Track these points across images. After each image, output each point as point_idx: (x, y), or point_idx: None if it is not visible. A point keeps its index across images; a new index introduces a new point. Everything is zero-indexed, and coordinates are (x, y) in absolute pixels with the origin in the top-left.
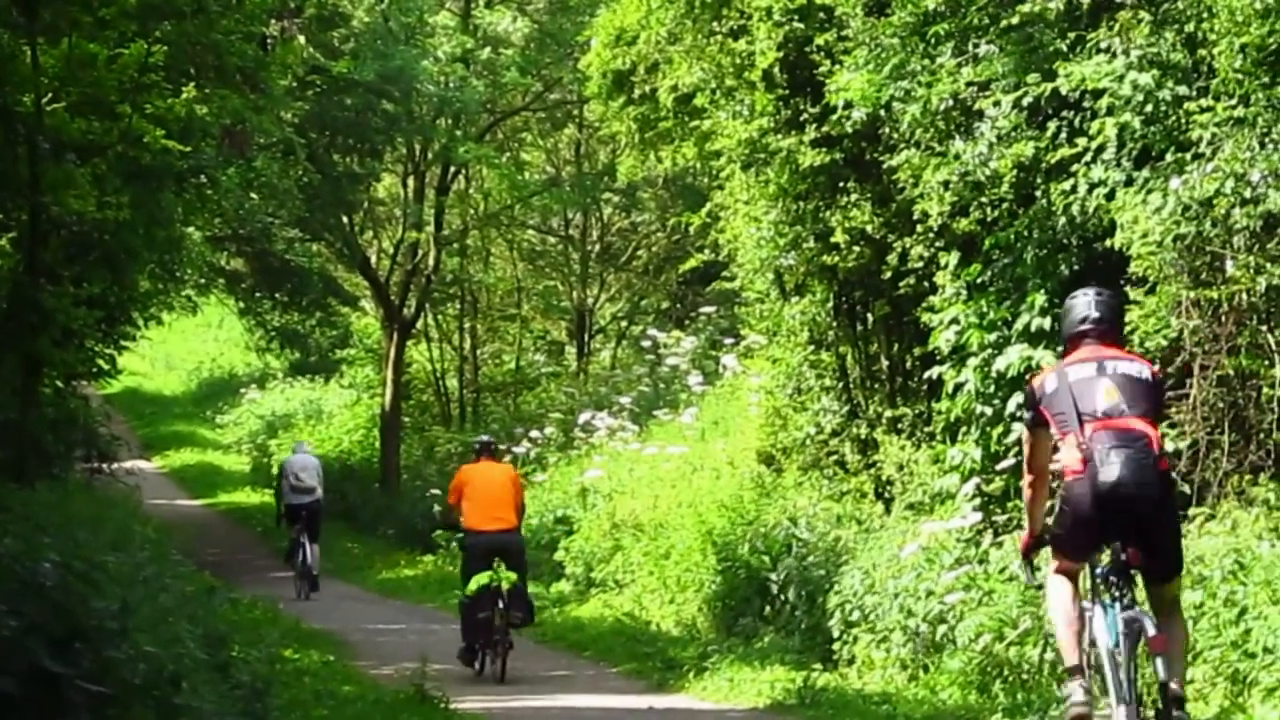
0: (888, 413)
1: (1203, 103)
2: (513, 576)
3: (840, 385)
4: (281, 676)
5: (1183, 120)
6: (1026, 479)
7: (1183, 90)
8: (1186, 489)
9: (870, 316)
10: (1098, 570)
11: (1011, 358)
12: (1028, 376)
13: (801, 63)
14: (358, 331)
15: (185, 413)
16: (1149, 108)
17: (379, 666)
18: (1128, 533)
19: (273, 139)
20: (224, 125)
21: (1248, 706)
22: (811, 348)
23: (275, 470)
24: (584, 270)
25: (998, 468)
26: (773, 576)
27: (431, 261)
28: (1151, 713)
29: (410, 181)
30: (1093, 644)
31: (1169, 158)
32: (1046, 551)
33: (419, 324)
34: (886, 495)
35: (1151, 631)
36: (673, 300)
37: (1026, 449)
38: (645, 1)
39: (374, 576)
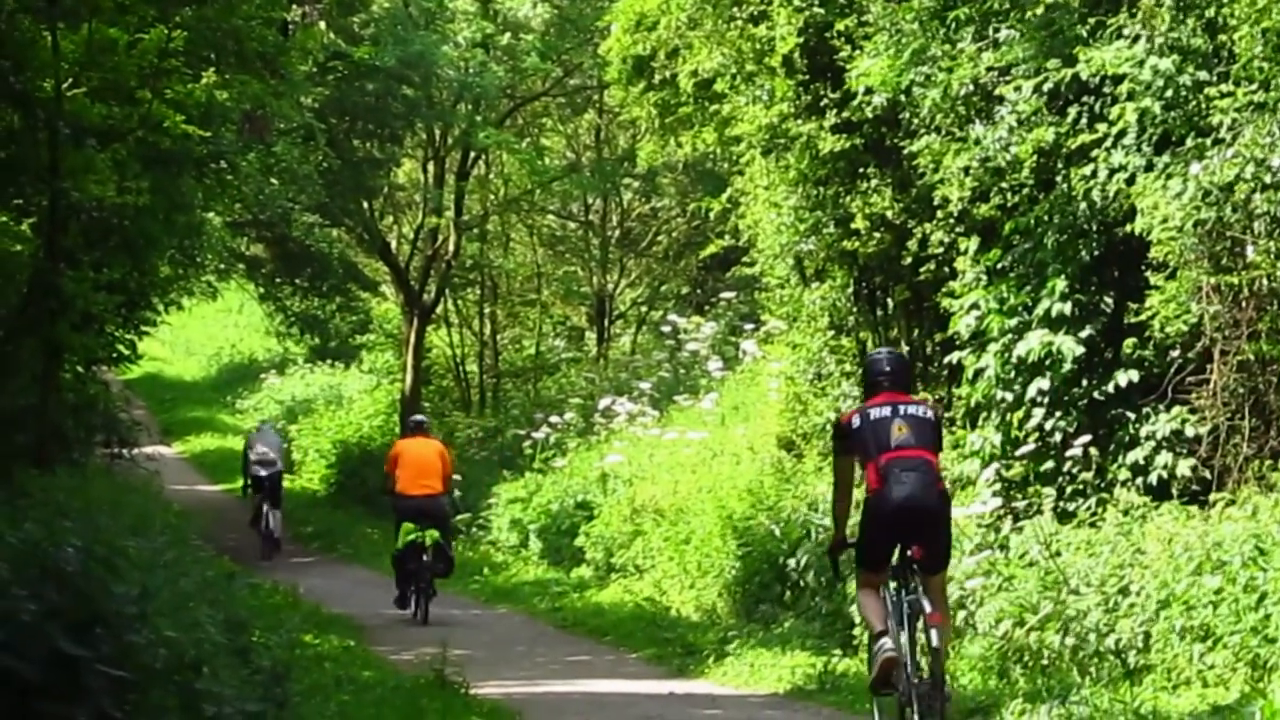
0: None
1: (1223, 88)
2: (435, 534)
3: (860, 370)
4: (301, 661)
5: (1203, 105)
6: (834, 494)
7: (1203, 75)
8: (1207, 474)
9: (890, 302)
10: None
11: (1032, 343)
12: (838, 416)
13: (821, 48)
14: (378, 317)
15: (205, 398)
16: (1169, 93)
17: (399, 651)
18: (913, 534)
19: (293, 124)
20: (244, 110)
21: (1268, 691)
22: (832, 333)
23: (242, 446)
24: (604, 256)
25: (1018, 453)
26: (793, 562)
27: (451, 247)
28: (926, 672)
29: (430, 167)
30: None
31: (1189, 143)
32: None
33: (439, 309)
34: None
35: (928, 609)
36: (693, 286)
37: (836, 471)
38: None
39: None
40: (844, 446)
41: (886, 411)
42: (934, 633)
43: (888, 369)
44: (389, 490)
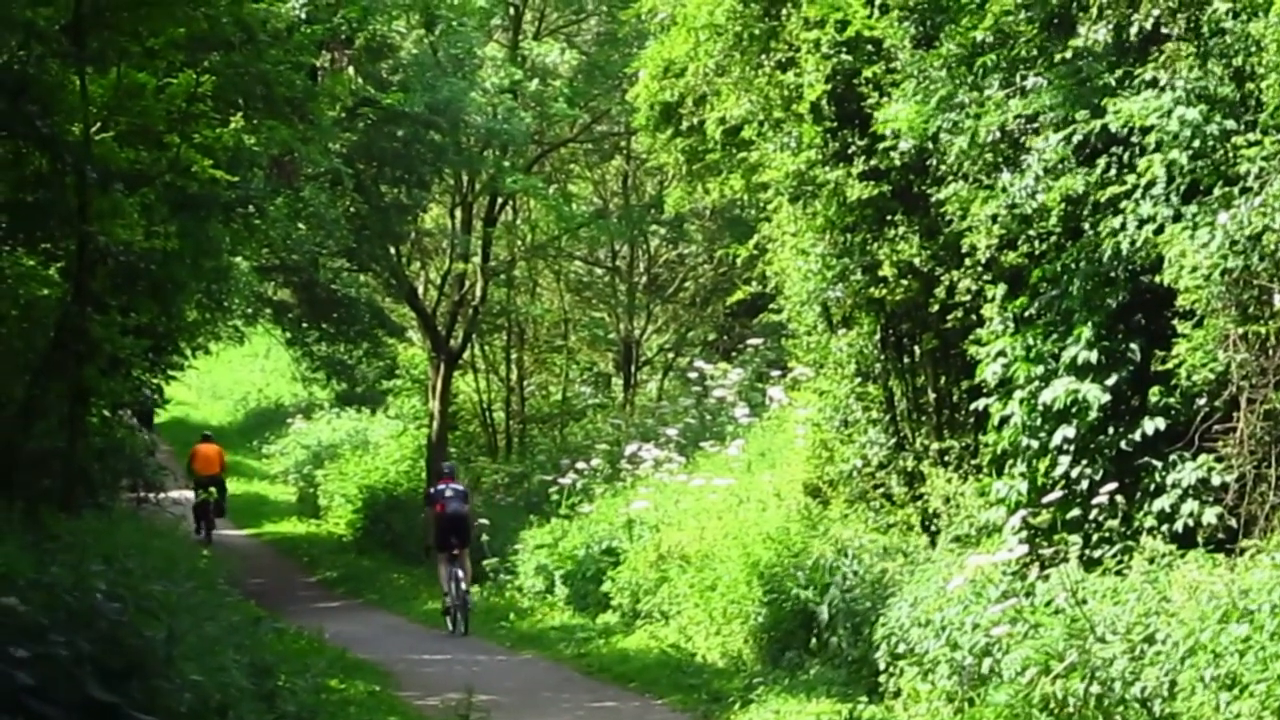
0: (934, 445)
1: (1250, 137)
2: (214, 493)
3: (887, 418)
4: (327, 706)
5: (1230, 154)
6: (426, 522)
7: (1230, 124)
8: (1234, 522)
9: (917, 349)
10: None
11: (1058, 390)
12: (428, 486)
13: (849, 95)
14: (404, 362)
15: (231, 443)
16: (1196, 142)
17: (424, 697)
18: (453, 534)
19: (321, 169)
20: (272, 155)
21: None
22: (858, 380)
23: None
24: (631, 302)
25: (1044, 501)
26: (819, 609)
27: (478, 292)
28: (457, 598)
29: (458, 212)
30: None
31: (1217, 192)
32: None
33: (466, 355)
34: (933, 528)
35: (460, 574)
36: (719, 332)
37: (427, 512)
38: (693, 34)
39: (419, 607)
40: (429, 500)
41: (443, 486)
42: (462, 583)
43: (447, 471)
44: (190, 473)
